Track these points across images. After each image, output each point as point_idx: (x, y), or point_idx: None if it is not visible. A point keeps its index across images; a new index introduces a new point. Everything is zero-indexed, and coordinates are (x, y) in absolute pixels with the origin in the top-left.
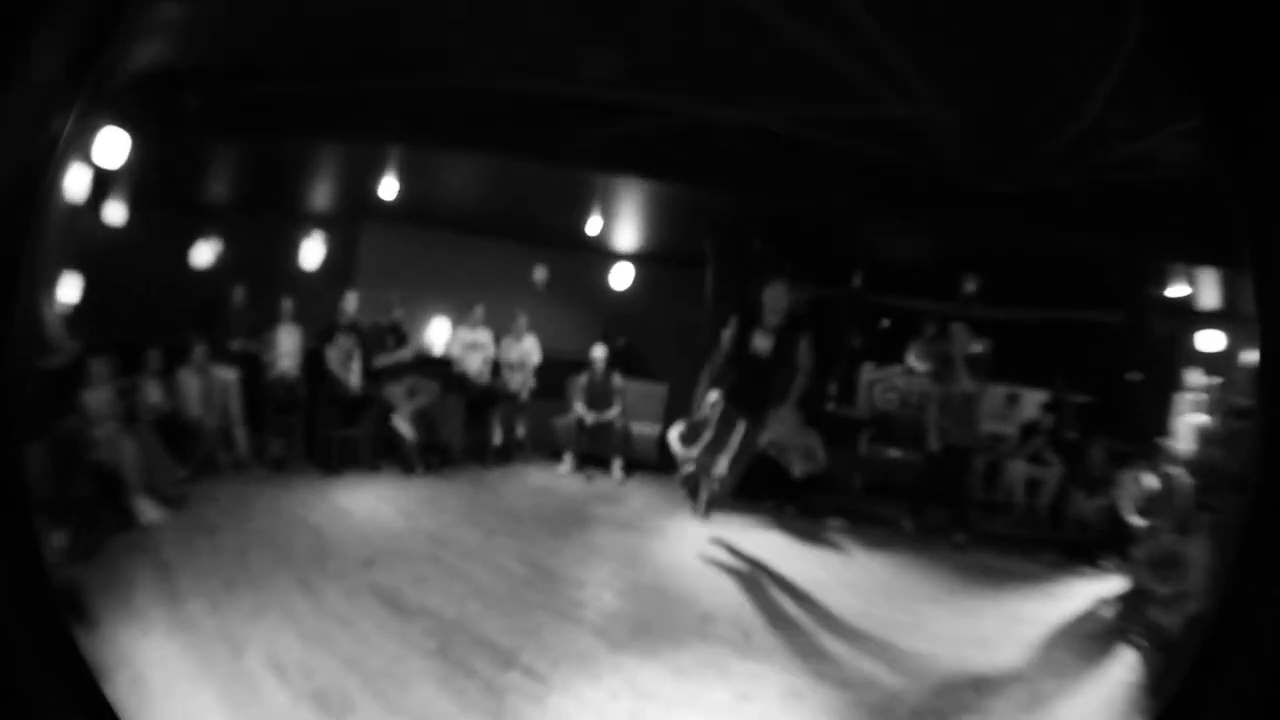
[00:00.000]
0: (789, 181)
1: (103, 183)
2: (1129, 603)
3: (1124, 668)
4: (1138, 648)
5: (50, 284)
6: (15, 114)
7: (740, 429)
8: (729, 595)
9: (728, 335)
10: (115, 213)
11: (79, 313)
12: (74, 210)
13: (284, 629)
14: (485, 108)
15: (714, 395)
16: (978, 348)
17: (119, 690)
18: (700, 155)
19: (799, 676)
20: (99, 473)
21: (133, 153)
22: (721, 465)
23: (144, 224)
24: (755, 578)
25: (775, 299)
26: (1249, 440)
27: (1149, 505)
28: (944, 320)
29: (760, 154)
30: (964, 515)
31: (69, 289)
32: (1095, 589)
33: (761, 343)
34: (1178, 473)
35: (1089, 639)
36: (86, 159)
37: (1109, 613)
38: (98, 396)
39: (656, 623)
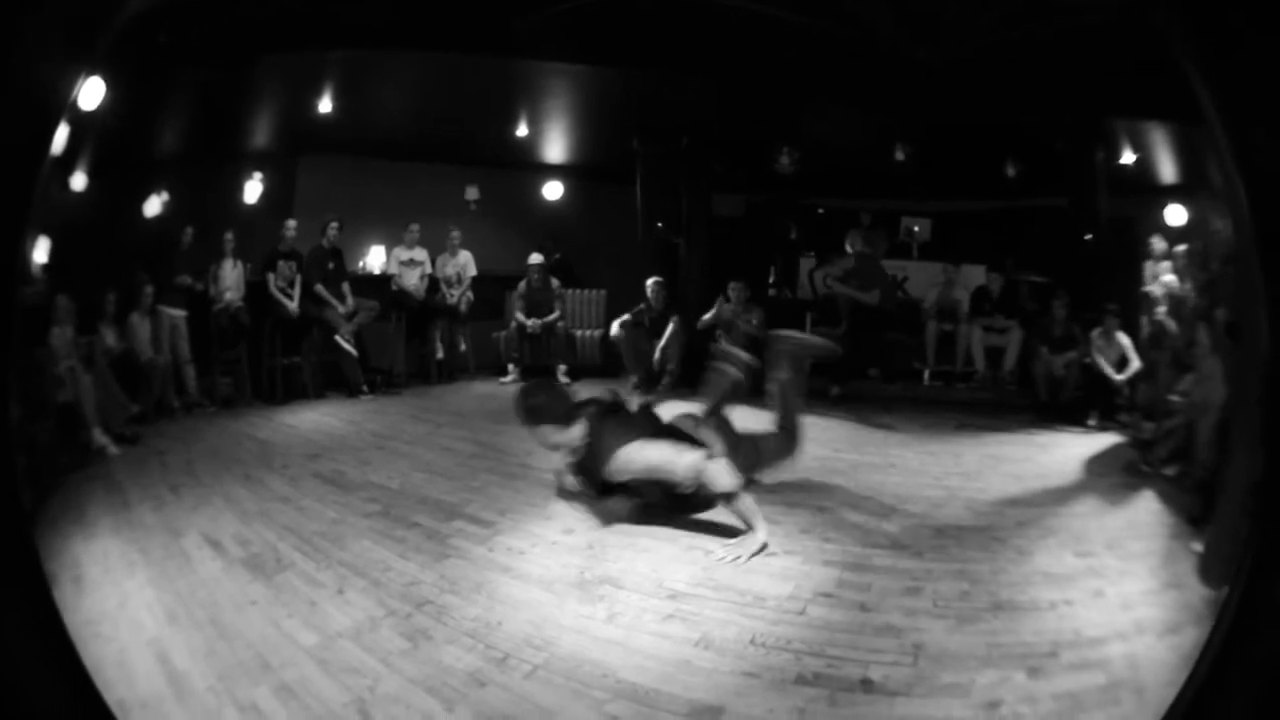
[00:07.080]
0: (714, 56)
1: (72, 134)
2: (1133, 450)
3: (1146, 497)
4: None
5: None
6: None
7: None
8: None
9: None
10: (81, 163)
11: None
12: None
13: (224, 513)
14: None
15: None
16: (917, 228)
17: (64, 591)
18: (621, 34)
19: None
20: (61, 409)
21: (105, 100)
22: None
23: (105, 172)
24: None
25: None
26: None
27: (1135, 354)
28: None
29: (682, 27)
30: (843, 370)
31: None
32: (1085, 441)
33: None
34: (1163, 317)
35: (1092, 475)
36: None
37: (1110, 460)
38: (61, 334)
39: None
